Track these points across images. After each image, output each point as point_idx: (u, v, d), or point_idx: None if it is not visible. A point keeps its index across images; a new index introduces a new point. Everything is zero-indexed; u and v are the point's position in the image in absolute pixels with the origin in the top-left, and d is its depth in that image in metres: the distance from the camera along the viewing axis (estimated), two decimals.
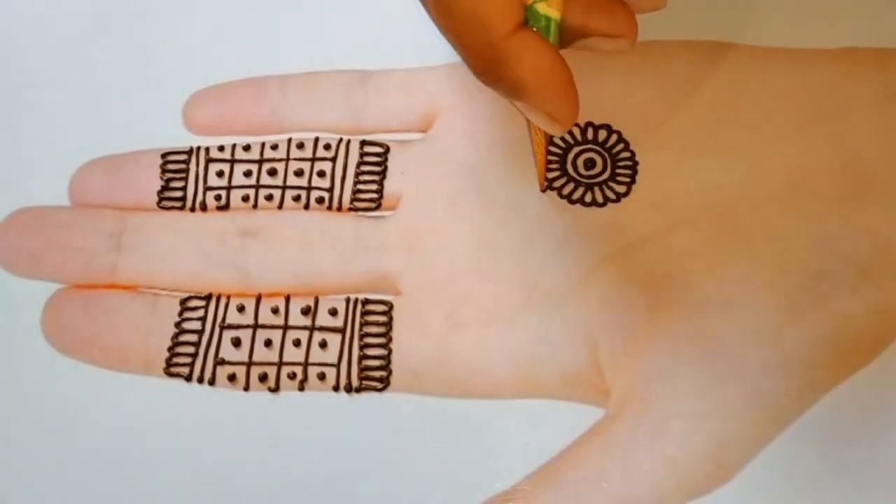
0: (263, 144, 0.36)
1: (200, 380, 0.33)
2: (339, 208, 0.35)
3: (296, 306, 0.34)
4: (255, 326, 0.33)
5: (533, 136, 0.32)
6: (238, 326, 0.33)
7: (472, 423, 0.32)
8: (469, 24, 0.26)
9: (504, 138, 0.36)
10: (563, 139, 0.35)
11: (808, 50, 0.36)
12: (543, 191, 0.34)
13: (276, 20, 0.39)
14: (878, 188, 0.34)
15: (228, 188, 0.36)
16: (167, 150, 0.36)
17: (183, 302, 0.34)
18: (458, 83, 0.37)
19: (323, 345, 0.33)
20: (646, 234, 0.34)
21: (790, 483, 0.30)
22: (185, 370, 0.33)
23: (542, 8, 0.27)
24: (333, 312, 0.33)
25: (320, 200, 0.35)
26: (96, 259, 0.34)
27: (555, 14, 0.27)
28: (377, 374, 0.32)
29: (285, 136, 0.36)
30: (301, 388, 0.32)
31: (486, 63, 0.27)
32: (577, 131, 0.35)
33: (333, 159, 0.36)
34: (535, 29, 0.27)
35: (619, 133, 0.35)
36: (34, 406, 0.32)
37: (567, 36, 0.28)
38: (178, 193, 0.36)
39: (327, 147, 0.36)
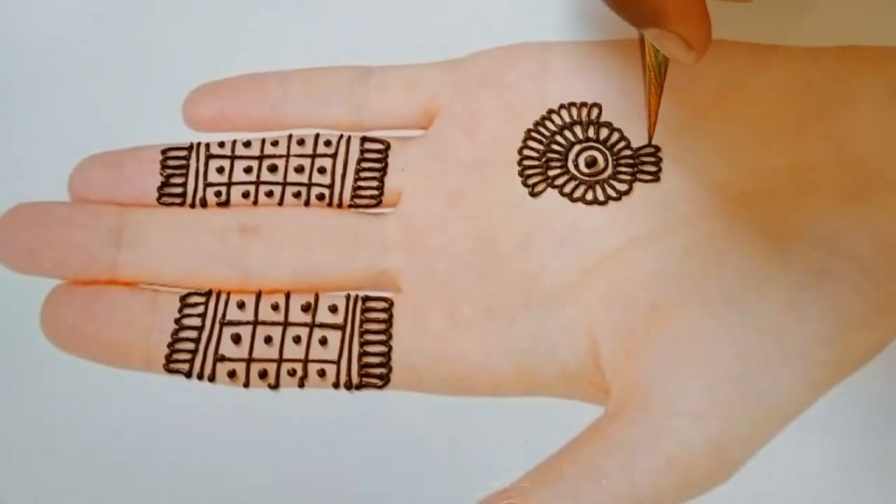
0: (264, 141, 0.36)
1: (200, 376, 0.33)
2: (340, 205, 0.35)
3: (296, 303, 0.34)
4: (255, 323, 0.33)
5: (649, 80, 0.32)
6: (238, 323, 0.33)
7: (472, 420, 0.32)
8: None
9: (504, 135, 0.36)
10: (563, 138, 0.35)
11: (810, 48, 0.36)
12: (650, 141, 0.34)
13: (277, 16, 0.39)
14: (879, 187, 0.34)
15: (228, 184, 0.35)
16: (167, 146, 0.36)
17: (183, 298, 0.34)
18: (459, 80, 0.37)
19: (323, 341, 0.33)
20: (647, 232, 0.34)
21: (790, 483, 0.30)
22: (185, 367, 0.33)
23: None
24: (334, 309, 0.33)
25: (321, 197, 0.35)
26: (96, 255, 0.34)
27: None
28: (377, 371, 0.32)
29: (286, 133, 0.36)
30: (301, 385, 0.32)
31: None
32: (579, 129, 0.35)
33: (334, 156, 0.36)
34: None
35: (620, 131, 0.35)
36: (33, 403, 0.32)
37: None
38: (179, 189, 0.35)
39: (328, 143, 0.36)
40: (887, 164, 0.34)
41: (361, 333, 0.33)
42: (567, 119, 0.36)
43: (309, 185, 0.35)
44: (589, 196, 0.34)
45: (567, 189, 0.35)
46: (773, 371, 0.31)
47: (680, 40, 0.28)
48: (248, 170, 0.36)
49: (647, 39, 0.29)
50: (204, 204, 0.35)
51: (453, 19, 0.38)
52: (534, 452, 0.31)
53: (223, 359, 0.33)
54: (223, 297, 0.34)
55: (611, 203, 0.34)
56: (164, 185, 0.36)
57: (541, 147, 0.35)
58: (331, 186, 0.35)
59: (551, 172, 0.35)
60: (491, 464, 0.31)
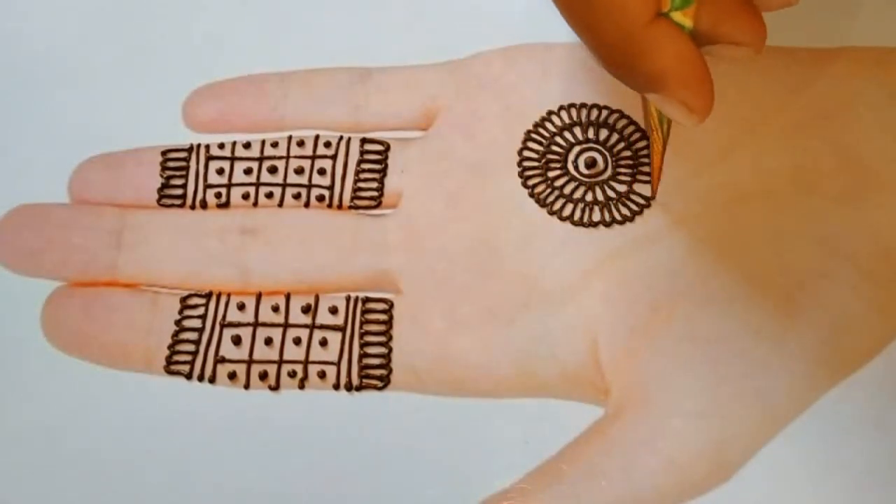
0: (264, 142, 0.36)
1: (201, 378, 0.33)
2: (340, 206, 0.35)
3: (296, 304, 0.34)
4: (256, 324, 0.33)
5: (653, 140, 0.31)
6: (238, 324, 0.33)
7: (472, 421, 0.32)
8: (607, 13, 0.26)
9: (504, 136, 0.36)
10: (563, 139, 0.35)
11: (809, 49, 0.36)
12: (653, 197, 0.34)
13: (277, 17, 0.39)
14: (878, 188, 0.34)
15: (228, 186, 0.35)
16: (167, 148, 0.36)
17: (183, 300, 0.34)
18: (459, 81, 0.37)
19: (323, 343, 0.33)
20: (646, 232, 0.34)
21: (790, 483, 0.30)
22: (186, 368, 0.33)
23: (677, 16, 0.26)
24: (334, 310, 0.33)
25: (321, 198, 0.35)
26: (96, 257, 0.34)
27: (688, 23, 0.27)
28: (377, 372, 0.32)
29: (285, 134, 0.36)
30: (301, 387, 0.32)
31: (623, 54, 0.26)
32: (578, 131, 0.36)
33: (334, 157, 0.36)
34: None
35: (620, 132, 0.35)
36: (33, 404, 0.32)
37: (695, 42, 0.28)
38: (179, 191, 0.35)
39: (328, 145, 0.36)
40: (887, 165, 0.34)
41: (361, 335, 0.33)
42: (567, 120, 0.36)
43: (309, 187, 0.35)
44: (589, 197, 0.34)
45: (567, 190, 0.35)
46: (773, 371, 0.31)
47: (682, 105, 0.27)
48: (248, 171, 0.36)
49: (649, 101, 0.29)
50: (204, 205, 0.35)
51: (453, 20, 0.38)
52: (534, 453, 0.31)
53: (223, 360, 0.33)
54: (223, 299, 0.34)
55: (611, 204, 0.34)
56: (164, 186, 0.36)
57: (541, 148, 0.35)
58: (331, 188, 0.35)
59: (551, 173, 0.35)
60: (491, 464, 0.31)
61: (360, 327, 0.33)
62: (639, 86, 0.27)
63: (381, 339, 0.33)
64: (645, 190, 0.34)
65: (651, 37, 0.26)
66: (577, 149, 0.35)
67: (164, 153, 0.36)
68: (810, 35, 0.37)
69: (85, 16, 0.39)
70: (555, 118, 0.36)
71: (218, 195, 0.35)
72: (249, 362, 0.33)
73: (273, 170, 0.36)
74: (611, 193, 0.34)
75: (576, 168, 0.35)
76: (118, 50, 0.38)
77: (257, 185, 0.35)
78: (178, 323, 0.33)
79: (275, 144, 0.36)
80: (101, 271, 0.34)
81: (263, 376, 0.33)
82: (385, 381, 0.32)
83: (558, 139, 0.35)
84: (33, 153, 0.36)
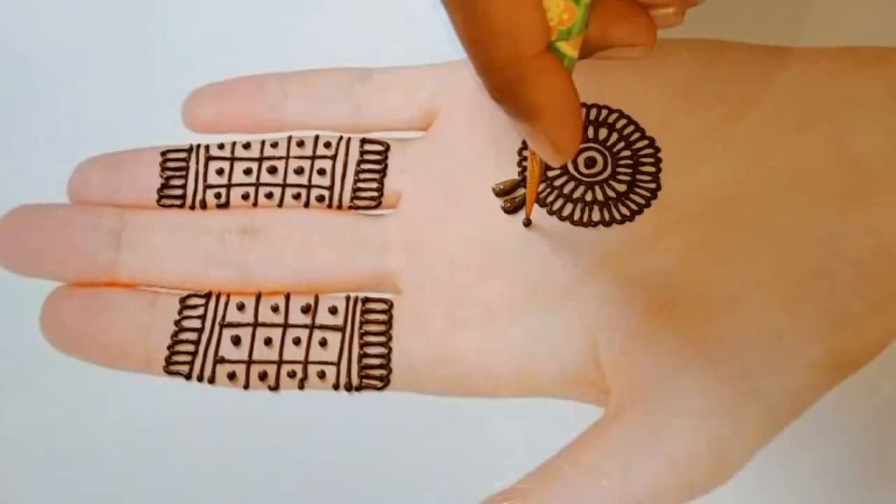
0: (263, 142, 0.36)
1: (200, 378, 0.33)
2: (340, 206, 0.35)
3: (296, 304, 0.34)
4: (255, 325, 0.33)
5: (530, 165, 0.32)
6: (238, 325, 0.33)
7: (472, 421, 0.32)
8: (500, 38, 0.25)
9: (504, 136, 0.36)
10: None
11: (809, 49, 0.36)
12: (528, 223, 0.34)
13: (277, 17, 0.39)
14: (878, 188, 0.34)
15: (228, 186, 0.35)
16: (167, 148, 0.36)
17: (183, 300, 0.34)
18: (459, 81, 0.37)
19: (323, 343, 0.33)
20: (646, 232, 0.34)
21: (790, 483, 0.30)
22: (185, 368, 0.33)
23: (563, 46, 0.26)
24: (333, 311, 0.33)
25: (320, 199, 0.35)
26: (96, 257, 0.34)
27: (573, 53, 0.27)
28: (377, 372, 0.32)
29: (285, 135, 0.36)
30: (301, 387, 0.32)
31: (506, 81, 0.26)
32: None
33: (333, 157, 0.36)
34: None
35: (619, 132, 0.35)
36: (33, 404, 0.32)
37: (586, 49, 0.28)
38: (178, 191, 0.35)
39: (327, 145, 0.36)
40: (886, 165, 0.34)
41: (361, 335, 0.33)
42: None
43: (309, 187, 0.35)
44: (588, 196, 0.34)
45: (566, 190, 0.35)
46: (773, 371, 0.31)
47: (550, 143, 0.27)
48: (247, 171, 0.36)
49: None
50: (204, 205, 0.35)
51: None
52: (534, 453, 0.31)
53: (223, 360, 0.33)
54: (223, 299, 0.34)
55: (610, 204, 0.34)
56: (164, 186, 0.36)
57: None
58: (330, 188, 0.35)
59: (551, 173, 0.35)
60: (491, 464, 0.31)
61: (360, 327, 0.33)
62: (514, 113, 0.27)
63: (381, 339, 0.33)
64: (645, 190, 0.34)
65: (537, 68, 0.26)
66: None
67: (163, 153, 0.36)
68: (810, 35, 0.37)
69: (85, 16, 0.39)
70: None
71: (218, 195, 0.35)
72: (249, 362, 0.33)
73: (273, 170, 0.36)
74: (611, 193, 0.34)
75: (575, 168, 0.35)
76: (118, 50, 0.38)
77: (257, 185, 0.35)
78: (177, 323, 0.33)
79: (275, 145, 0.36)
80: (101, 271, 0.34)
81: (263, 376, 0.33)
82: (385, 381, 0.32)
83: None
84: (33, 153, 0.36)
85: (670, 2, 0.28)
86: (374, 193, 0.35)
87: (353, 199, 0.35)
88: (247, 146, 0.36)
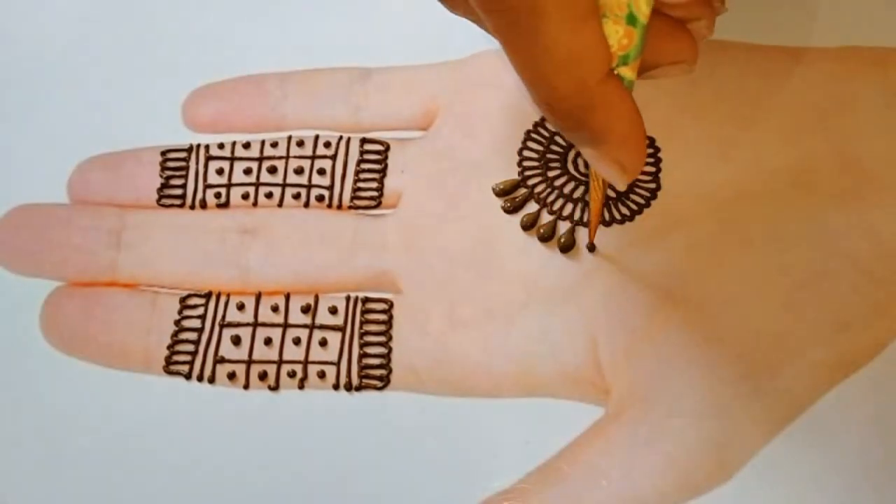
0: (263, 142, 0.36)
1: (200, 378, 0.33)
2: (339, 206, 0.35)
3: (296, 304, 0.34)
4: (255, 324, 0.33)
5: (592, 189, 0.31)
6: (238, 324, 0.33)
7: (472, 421, 0.32)
8: (565, 68, 0.25)
9: (504, 136, 0.36)
10: (563, 139, 0.35)
11: (809, 49, 0.36)
12: (592, 248, 0.33)
13: (277, 17, 0.39)
14: (878, 188, 0.34)
15: (228, 186, 0.35)
16: (167, 148, 0.36)
17: (183, 300, 0.34)
18: (458, 81, 0.37)
19: (323, 343, 0.33)
20: (646, 232, 0.34)
21: (790, 483, 0.30)
22: (185, 368, 0.33)
23: (623, 71, 0.26)
24: (333, 310, 0.33)
25: (320, 198, 0.35)
26: (96, 257, 0.34)
27: (632, 76, 0.27)
28: (377, 372, 0.32)
29: (285, 134, 0.36)
30: (301, 387, 0.32)
31: (573, 107, 0.26)
32: None
33: (333, 157, 0.36)
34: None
35: None
36: (33, 404, 0.32)
37: (640, 70, 0.28)
38: (178, 191, 0.35)
39: (327, 145, 0.36)
40: (886, 165, 0.34)
41: (361, 335, 0.33)
42: None
43: (309, 187, 0.35)
44: (588, 196, 0.34)
45: (567, 189, 0.35)
46: (773, 372, 0.31)
47: (616, 164, 0.27)
48: (247, 171, 0.36)
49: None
50: (204, 205, 0.35)
51: (453, 20, 0.38)
52: (534, 453, 0.31)
53: (223, 360, 0.33)
54: (223, 299, 0.34)
55: (610, 203, 0.34)
56: (164, 186, 0.36)
57: (540, 148, 0.35)
58: (330, 188, 0.35)
59: (551, 173, 0.35)
60: (491, 464, 0.31)
61: (360, 327, 0.33)
62: (580, 140, 0.27)
63: (381, 339, 0.33)
64: (645, 190, 0.34)
65: (602, 93, 0.26)
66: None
67: (163, 153, 0.36)
68: (810, 35, 0.37)
69: (85, 16, 0.39)
70: None
71: (218, 195, 0.35)
72: (249, 362, 0.33)
73: (273, 170, 0.36)
74: (611, 193, 0.34)
75: (575, 167, 0.35)
76: (118, 50, 0.38)
77: (257, 185, 0.35)
78: (177, 323, 0.33)
79: (274, 144, 0.36)
80: (101, 271, 0.34)
81: (263, 376, 0.33)
82: (385, 381, 0.32)
83: (558, 139, 0.35)
84: (33, 153, 0.36)
85: (702, 14, 0.28)
86: (374, 193, 0.35)
87: (353, 198, 0.35)
88: (247, 146, 0.36)
